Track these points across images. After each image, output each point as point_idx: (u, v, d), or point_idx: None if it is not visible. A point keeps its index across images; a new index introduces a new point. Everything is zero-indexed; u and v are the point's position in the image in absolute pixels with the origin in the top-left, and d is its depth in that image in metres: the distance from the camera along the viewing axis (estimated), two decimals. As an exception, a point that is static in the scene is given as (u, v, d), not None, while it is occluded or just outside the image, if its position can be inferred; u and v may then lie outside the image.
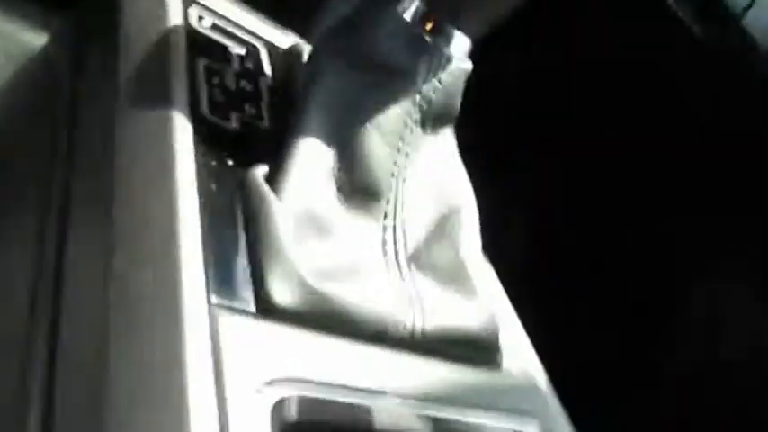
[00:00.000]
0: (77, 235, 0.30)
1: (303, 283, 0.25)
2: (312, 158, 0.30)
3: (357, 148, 0.31)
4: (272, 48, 0.40)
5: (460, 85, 0.36)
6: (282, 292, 0.25)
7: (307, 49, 0.41)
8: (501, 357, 0.32)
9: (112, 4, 0.37)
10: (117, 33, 0.35)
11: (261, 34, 0.41)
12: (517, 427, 0.29)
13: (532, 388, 0.32)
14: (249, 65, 0.37)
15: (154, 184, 0.27)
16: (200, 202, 0.26)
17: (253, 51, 0.38)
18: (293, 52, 0.41)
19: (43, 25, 0.40)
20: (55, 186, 0.33)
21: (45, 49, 0.38)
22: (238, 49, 0.37)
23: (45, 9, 0.41)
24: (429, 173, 0.35)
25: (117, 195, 0.28)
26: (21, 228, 0.36)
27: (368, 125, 0.32)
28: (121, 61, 0.33)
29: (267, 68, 0.38)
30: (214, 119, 0.31)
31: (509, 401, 0.29)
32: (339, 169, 0.31)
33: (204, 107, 0.31)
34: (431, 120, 0.35)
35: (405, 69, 0.33)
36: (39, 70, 0.38)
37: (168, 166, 0.27)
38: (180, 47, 0.33)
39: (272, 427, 0.21)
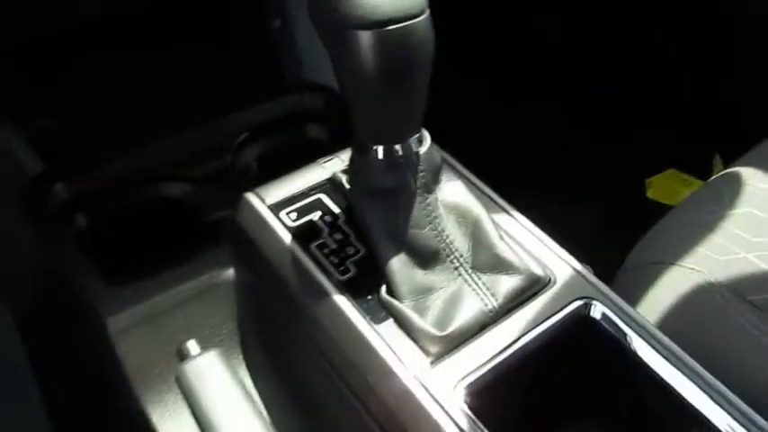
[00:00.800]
0: None
1: (435, 336, 0.52)
2: (399, 265, 0.55)
3: (413, 242, 0.56)
4: (324, 187, 0.65)
5: (435, 157, 0.58)
6: (432, 346, 0.52)
7: (337, 168, 0.65)
8: (550, 278, 0.57)
9: (250, 239, 0.63)
10: (260, 260, 0.61)
11: (311, 183, 0.65)
12: (583, 310, 0.54)
13: (578, 282, 0.56)
14: (328, 218, 0.62)
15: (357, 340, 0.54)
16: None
17: (321, 205, 0.63)
18: (335, 180, 0.65)
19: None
20: None
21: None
22: (317, 212, 0.62)
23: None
24: (450, 211, 0.59)
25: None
26: None
27: (408, 227, 0.56)
28: (274, 284, 0.60)
29: (333, 206, 0.63)
30: (344, 278, 0.57)
31: (566, 300, 0.55)
32: (412, 257, 0.57)
33: (337, 276, 0.57)
34: (432, 183, 0.58)
35: (399, 185, 0.56)
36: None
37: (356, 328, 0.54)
38: (297, 248, 0.59)
39: (468, 403, 0.50)
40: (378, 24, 0.47)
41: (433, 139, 0.58)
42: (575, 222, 1.22)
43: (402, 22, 0.47)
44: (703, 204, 0.84)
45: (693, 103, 1.53)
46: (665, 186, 1.43)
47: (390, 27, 0.47)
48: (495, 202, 0.64)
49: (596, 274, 0.58)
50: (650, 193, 1.43)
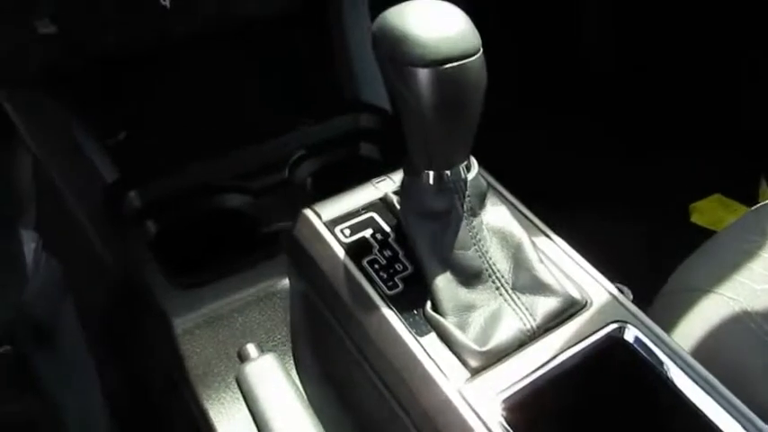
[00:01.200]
0: None
1: (475, 351, 0.56)
2: (444, 283, 0.60)
3: (457, 261, 0.60)
4: (376, 206, 0.69)
5: (481, 183, 0.62)
6: (472, 360, 0.56)
7: (389, 189, 0.70)
8: (586, 301, 0.60)
9: (306, 252, 0.68)
10: (315, 272, 0.66)
11: (363, 202, 0.69)
12: (617, 333, 0.58)
13: (614, 306, 0.59)
14: (379, 235, 0.66)
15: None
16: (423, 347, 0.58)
17: (373, 223, 0.68)
18: (387, 201, 0.70)
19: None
20: None
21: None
22: (369, 230, 0.67)
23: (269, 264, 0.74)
24: (494, 234, 0.63)
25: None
26: None
27: (454, 247, 0.60)
28: (327, 295, 0.64)
29: (385, 225, 0.68)
30: (392, 293, 0.61)
31: (601, 323, 0.58)
32: (456, 275, 0.60)
33: (385, 291, 0.62)
34: (478, 207, 0.62)
35: (447, 208, 0.61)
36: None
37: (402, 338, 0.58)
38: (350, 263, 0.64)
39: (505, 416, 0.53)
40: (435, 63, 0.51)
41: (479, 161, 0.63)
42: (619, 244, 1.23)
43: (457, 61, 0.52)
44: (744, 232, 0.85)
45: (742, 127, 1.53)
46: (709, 212, 1.43)
47: (446, 66, 0.52)
48: (537, 227, 0.67)
49: (636, 295, 0.61)
50: (694, 218, 1.43)
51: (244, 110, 0.94)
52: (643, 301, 0.67)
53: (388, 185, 0.71)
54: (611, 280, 0.64)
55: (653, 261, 0.99)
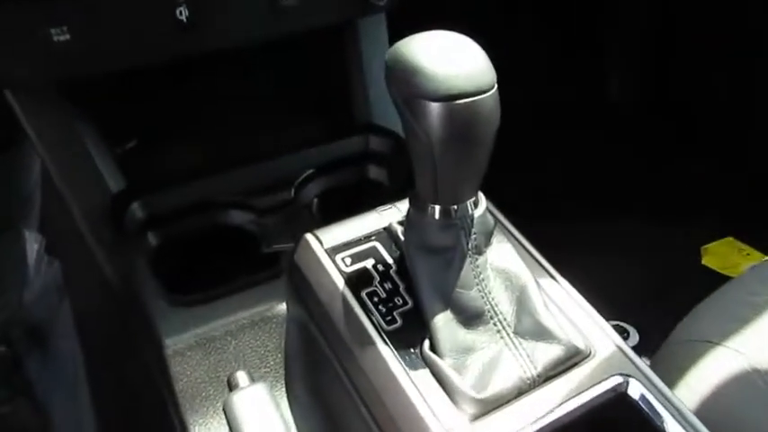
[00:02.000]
0: None
1: (473, 398, 0.54)
2: (443, 323, 0.58)
3: (459, 300, 0.59)
4: (380, 236, 0.68)
5: (489, 221, 0.61)
6: (469, 407, 0.54)
7: (394, 219, 0.68)
8: (590, 350, 0.58)
9: (305, 279, 0.66)
10: (313, 300, 0.64)
11: (367, 231, 0.68)
12: (620, 387, 0.56)
13: (618, 358, 0.57)
14: (380, 266, 0.65)
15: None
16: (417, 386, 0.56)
17: (375, 253, 0.66)
18: (391, 231, 0.68)
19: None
20: None
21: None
22: (371, 260, 0.65)
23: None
24: (498, 274, 0.61)
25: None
26: None
27: (456, 286, 0.59)
28: (323, 325, 0.63)
29: (387, 256, 0.66)
30: (390, 328, 0.60)
31: (604, 375, 0.56)
32: (457, 315, 0.59)
33: (383, 325, 0.60)
34: (483, 245, 0.61)
35: (452, 244, 0.59)
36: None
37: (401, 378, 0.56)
38: (349, 294, 0.62)
39: None
40: (447, 97, 0.50)
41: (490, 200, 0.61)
42: (628, 284, 1.22)
43: (471, 96, 0.50)
44: (752, 284, 0.84)
45: (750, 170, 1.52)
46: (721, 255, 1.40)
47: (459, 101, 0.50)
48: (544, 268, 0.66)
49: (642, 338, 0.59)
50: (706, 261, 1.40)
51: (254, 126, 0.94)
52: (649, 344, 0.65)
53: (393, 215, 0.69)
54: (618, 320, 0.62)
55: (665, 304, 0.97)
